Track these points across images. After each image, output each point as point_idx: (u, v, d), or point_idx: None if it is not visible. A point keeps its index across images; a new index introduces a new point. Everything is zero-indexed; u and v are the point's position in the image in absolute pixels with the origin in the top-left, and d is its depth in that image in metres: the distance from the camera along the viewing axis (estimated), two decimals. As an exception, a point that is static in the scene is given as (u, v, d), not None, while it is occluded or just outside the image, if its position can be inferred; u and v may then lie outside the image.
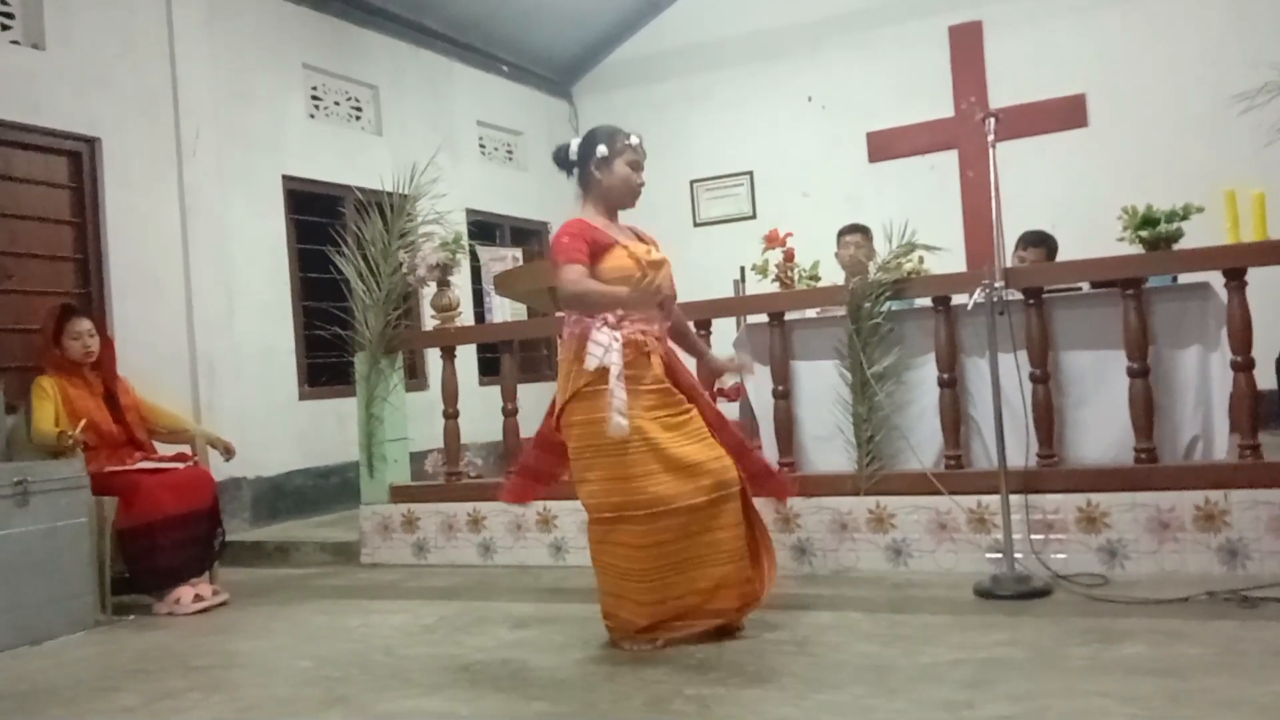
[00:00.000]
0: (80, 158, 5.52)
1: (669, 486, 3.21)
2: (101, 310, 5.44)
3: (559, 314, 5.30)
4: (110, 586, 4.40)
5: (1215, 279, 3.99)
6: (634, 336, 3.29)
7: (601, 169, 3.41)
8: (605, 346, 3.21)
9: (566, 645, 3.45)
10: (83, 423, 4.45)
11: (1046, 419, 4.08)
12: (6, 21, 5.30)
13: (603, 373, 3.19)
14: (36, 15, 5.35)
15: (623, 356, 3.22)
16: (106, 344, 4.81)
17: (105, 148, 5.57)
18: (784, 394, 4.53)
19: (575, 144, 3.51)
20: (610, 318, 3.27)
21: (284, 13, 6.80)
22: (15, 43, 5.30)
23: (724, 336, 4.86)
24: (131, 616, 4.36)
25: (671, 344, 3.53)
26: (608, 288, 3.26)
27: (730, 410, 5.79)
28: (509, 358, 5.21)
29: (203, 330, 5.97)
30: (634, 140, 3.44)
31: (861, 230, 5.58)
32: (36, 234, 5.32)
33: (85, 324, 4.69)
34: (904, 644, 3.18)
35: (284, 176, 6.68)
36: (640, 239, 3.49)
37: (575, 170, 3.51)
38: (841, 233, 5.67)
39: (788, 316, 4.59)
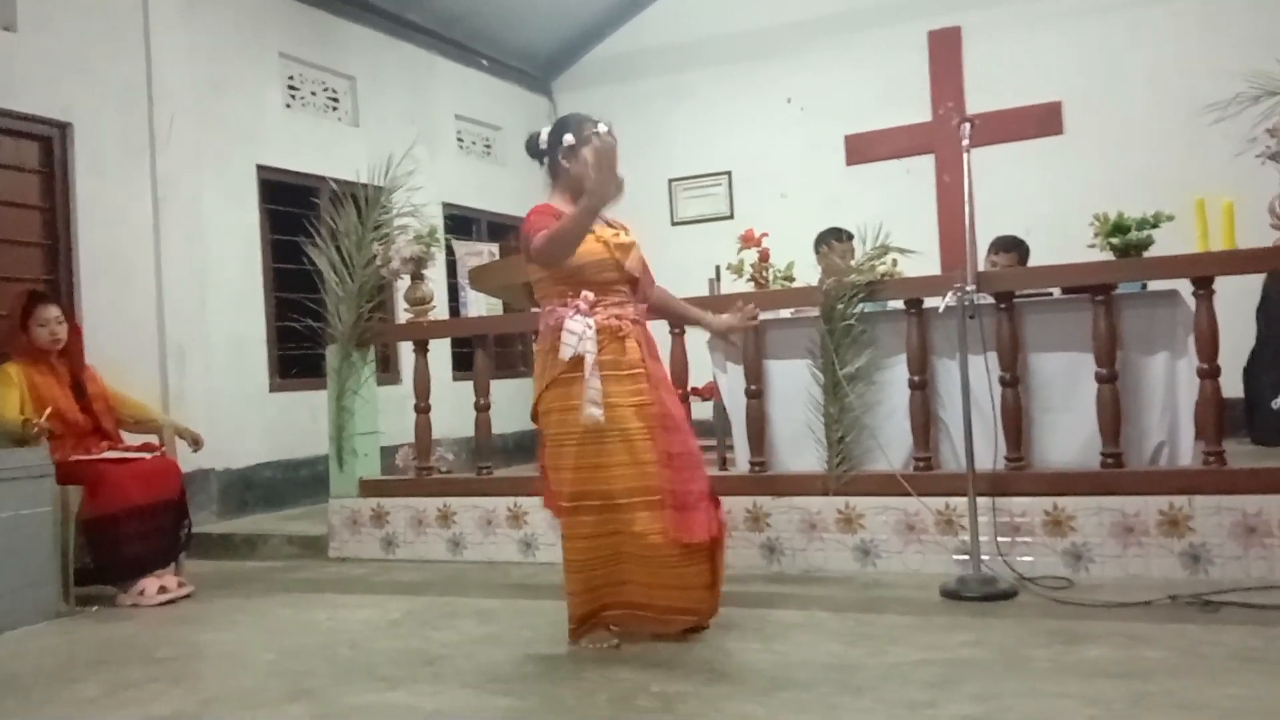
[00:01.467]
0: (51, 143, 5.45)
1: (629, 480, 3.18)
2: (70, 297, 5.38)
3: (535, 309, 5.31)
4: (74, 577, 4.34)
5: (1184, 287, 4.03)
6: (608, 322, 3.25)
7: (569, 158, 3.37)
8: (579, 335, 3.18)
9: (533, 641, 3.44)
10: (48, 411, 4.40)
11: (1015, 422, 4.12)
12: (-22, 3, 5.23)
13: (578, 361, 3.18)
14: (9, -3, 5.28)
15: (597, 344, 3.19)
16: (74, 331, 4.76)
17: (77, 133, 5.51)
18: (756, 393, 4.54)
19: (545, 132, 3.48)
20: (583, 305, 3.24)
21: (262, 1, 6.74)
22: (-14, 24, 5.23)
23: (699, 334, 4.85)
24: (95, 608, 4.31)
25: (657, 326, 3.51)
26: (568, 216, 3.16)
27: (703, 409, 5.82)
28: (482, 353, 5.19)
29: (173, 320, 5.91)
30: (601, 128, 3.35)
31: (842, 235, 5.57)
32: (4, 219, 5.25)
33: (53, 311, 4.64)
34: (870, 643, 3.19)
35: (259, 166, 6.63)
36: (609, 224, 3.43)
37: (545, 159, 3.48)
38: (827, 237, 5.64)
39: (761, 316, 4.60)
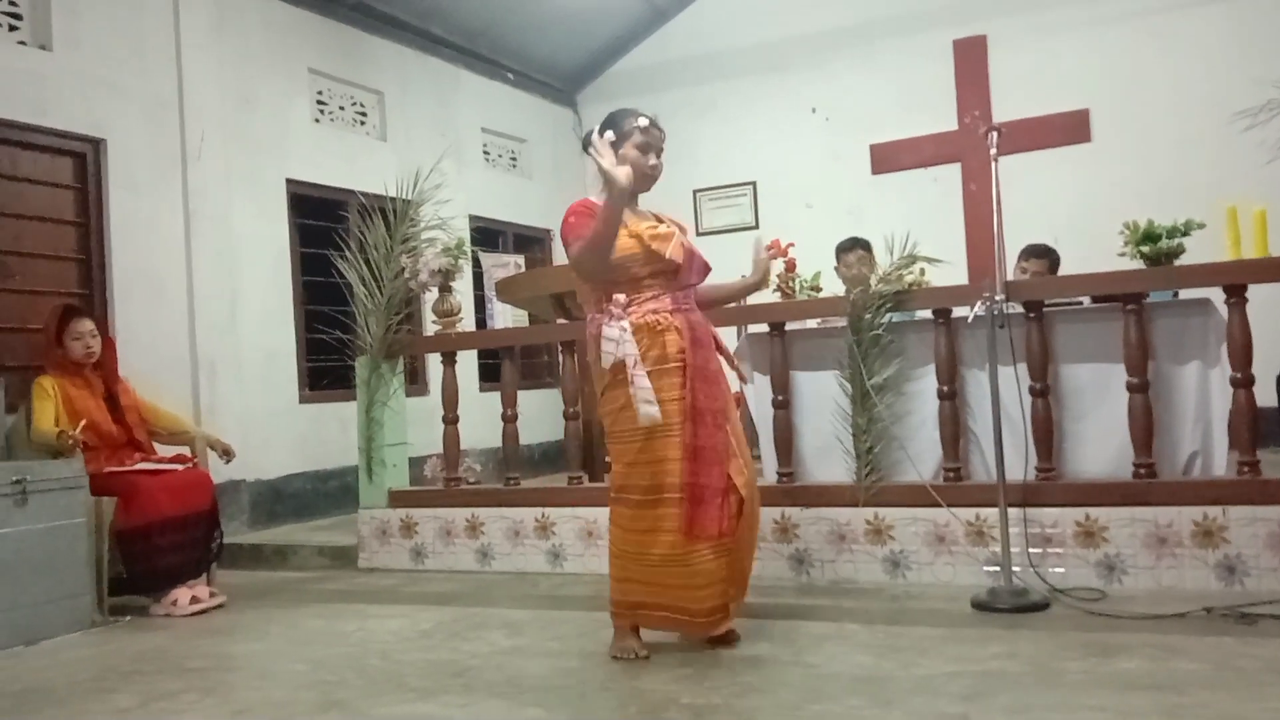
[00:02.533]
0: (85, 159, 5.54)
1: (659, 477, 3.22)
2: (104, 311, 5.45)
3: (561, 320, 5.34)
4: (107, 587, 4.39)
5: (1216, 295, 3.99)
6: (644, 320, 3.26)
7: (614, 148, 3.33)
8: (616, 340, 3.22)
9: (563, 652, 3.45)
10: (82, 423, 4.46)
11: (1046, 433, 4.08)
12: (14, 22, 5.32)
13: (622, 365, 3.21)
14: (44, 16, 5.37)
15: (636, 345, 3.22)
16: (108, 344, 4.82)
17: (110, 149, 5.59)
18: (783, 404, 4.53)
19: (595, 130, 3.40)
20: (615, 310, 3.25)
21: (291, 18, 6.82)
22: (23, 43, 5.32)
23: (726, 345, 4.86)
24: (128, 617, 4.36)
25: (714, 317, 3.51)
26: (600, 216, 3.19)
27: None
28: (509, 364, 5.22)
29: (204, 332, 5.98)
30: (643, 122, 3.32)
31: (863, 245, 5.57)
32: (40, 234, 5.33)
33: (87, 324, 4.70)
34: (901, 656, 3.17)
35: (288, 180, 6.70)
36: (650, 218, 3.41)
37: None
38: (842, 249, 5.64)
39: (788, 327, 4.60)
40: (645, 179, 3.36)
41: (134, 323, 5.57)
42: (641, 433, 3.23)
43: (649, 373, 3.21)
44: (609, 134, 3.29)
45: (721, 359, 3.43)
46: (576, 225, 3.29)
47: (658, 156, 3.37)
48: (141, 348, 5.45)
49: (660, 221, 3.43)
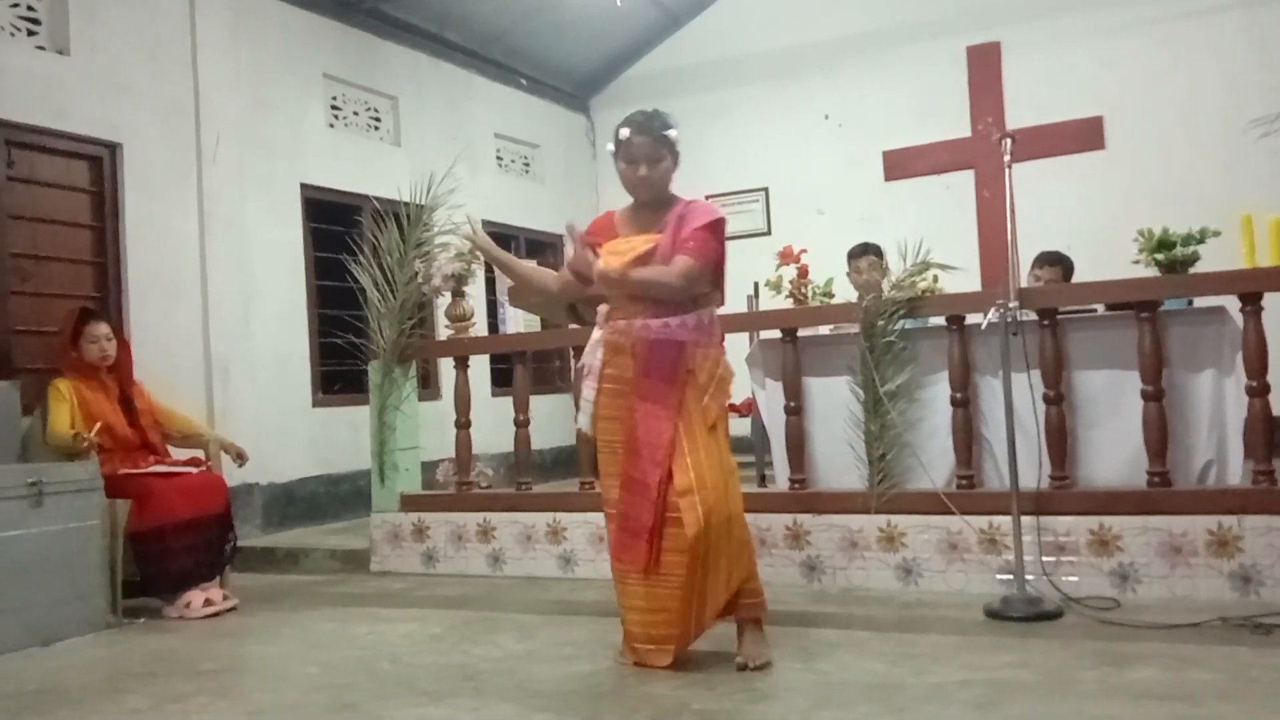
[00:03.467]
0: (101, 163, 5.57)
1: (609, 492, 3.33)
2: (119, 314, 5.48)
3: (573, 325, 5.35)
4: (121, 589, 4.41)
5: (1231, 303, 3.98)
6: (611, 337, 3.32)
7: (615, 165, 3.37)
8: (589, 345, 3.38)
9: (574, 657, 3.45)
10: (98, 425, 4.48)
11: (1059, 440, 4.07)
12: (32, 27, 5.36)
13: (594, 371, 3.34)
14: (62, 21, 5.41)
15: (599, 356, 3.33)
16: (123, 347, 4.85)
17: (126, 153, 5.62)
18: (796, 410, 4.52)
19: None
20: (599, 318, 3.38)
21: (307, 23, 6.85)
22: (41, 48, 5.36)
23: (738, 351, 4.86)
24: (141, 620, 4.38)
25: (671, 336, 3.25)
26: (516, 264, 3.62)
27: (742, 425, 5.81)
28: (521, 369, 5.23)
29: (218, 336, 6.00)
30: (623, 134, 3.30)
31: (874, 250, 5.57)
32: (56, 237, 5.36)
33: (103, 328, 4.73)
34: (913, 663, 3.16)
35: (302, 185, 6.73)
36: (639, 233, 3.33)
37: None
38: (853, 255, 5.63)
39: (801, 333, 4.59)
40: (636, 190, 3.34)
41: (149, 326, 5.59)
42: (600, 444, 3.34)
43: (609, 388, 3.30)
44: (609, 145, 3.36)
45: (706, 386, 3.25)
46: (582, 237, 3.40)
47: (649, 165, 3.28)
48: (156, 351, 5.47)
49: (641, 237, 3.29)
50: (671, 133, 3.33)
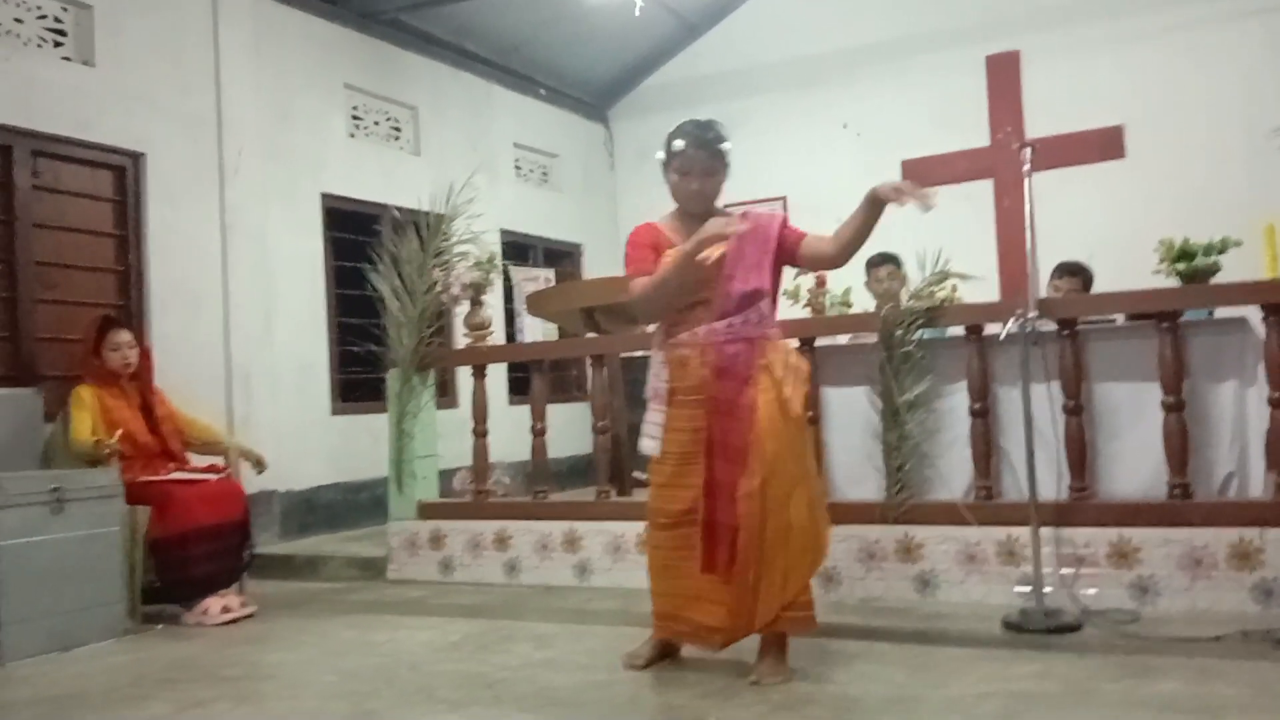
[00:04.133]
0: (125, 172, 5.63)
1: (682, 502, 3.26)
2: (141, 322, 5.53)
3: (590, 335, 5.36)
4: (140, 596, 4.44)
5: (1253, 314, 3.95)
6: (675, 354, 3.28)
7: (666, 174, 3.35)
8: (652, 371, 3.33)
9: (591, 666, 3.45)
10: (119, 433, 4.52)
11: (1079, 451, 4.05)
12: (59, 39, 5.42)
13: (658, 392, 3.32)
14: (88, 33, 5.47)
15: (665, 377, 3.28)
16: (145, 356, 4.89)
17: (150, 163, 5.68)
18: (813, 420, 4.51)
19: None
20: (658, 337, 3.35)
21: (328, 34, 6.91)
22: (67, 59, 5.42)
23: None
24: (160, 626, 4.41)
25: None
26: (657, 273, 3.20)
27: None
28: (539, 378, 5.24)
29: (239, 345, 6.04)
30: (677, 145, 3.27)
31: (892, 260, 5.56)
32: (80, 246, 5.42)
33: (125, 335, 4.77)
34: (931, 675, 3.15)
35: (323, 194, 6.77)
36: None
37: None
38: (871, 264, 5.62)
39: (818, 342, 4.59)
40: (689, 202, 3.33)
41: (170, 334, 5.64)
42: (672, 458, 3.27)
43: (680, 401, 3.25)
44: (660, 155, 3.33)
45: (790, 385, 3.20)
46: (633, 258, 3.32)
47: (701, 178, 3.27)
48: (177, 359, 5.51)
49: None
50: (726, 145, 3.33)
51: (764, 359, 3.22)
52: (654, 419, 3.29)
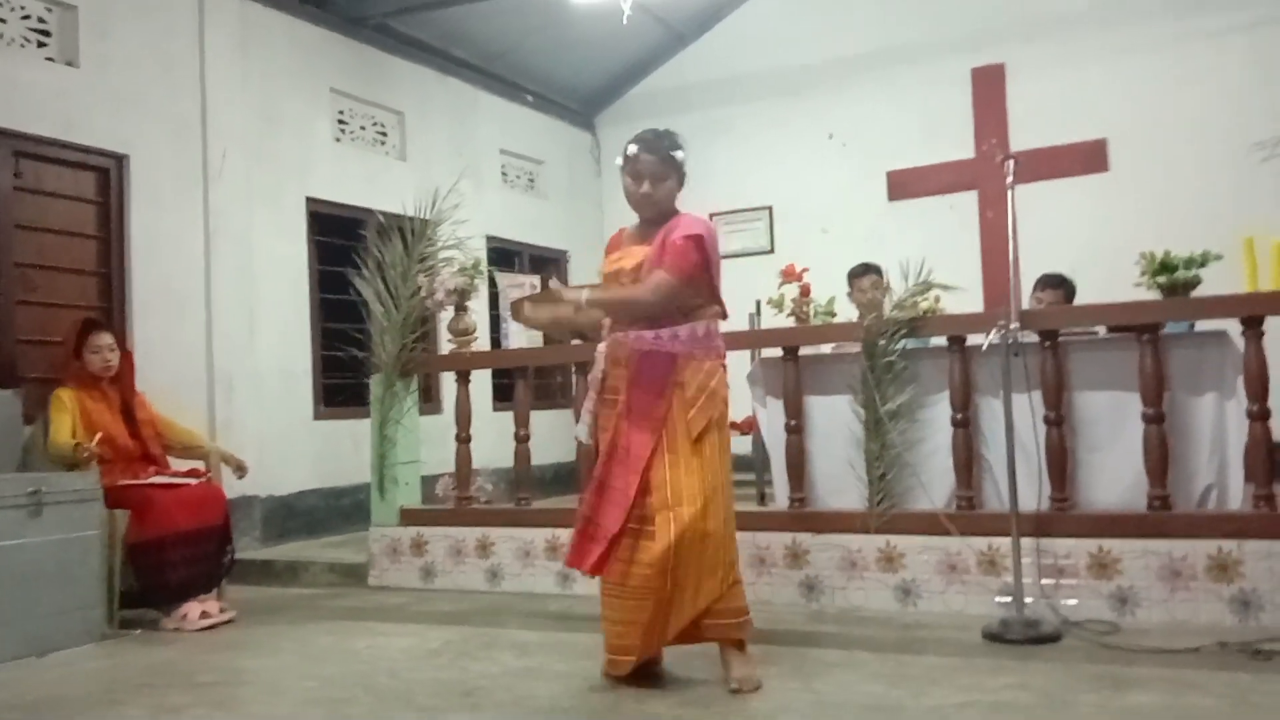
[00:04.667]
0: (108, 174, 5.60)
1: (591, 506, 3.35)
2: (123, 325, 5.50)
3: (576, 341, 5.36)
4: (118, 600, 4.41)
5: (1233, 327, 3.98)
6: (608, 349, 3.38)
7: (621, 181, 3.41)
8: (596, 360, 3.43)
9: (572, 674, 3.44)
10: (98, 436, 4.49)
11: (1060, 462, 4.07)
12: (43, 39, 5.40)
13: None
14: (72, 34, 5.45)
15: (600, 368, 3.38)
16: (126, 359, 4.85)
17: (133, 165, 5.65)
18: (796, 429, 4.52)
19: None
20: (603, 332, 3.43)
21: (314, 38, 6.90)
22: (50, 60, 5.39)
23: (739, 369, 4.86)
24: (138, 631, 4.37)
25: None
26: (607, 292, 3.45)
27: (742, 444, 5.80)
28: (523, 384, 5.23)
29: (222, 348, 6.01)
30: (630, 150, 3.35)
31: (875, 270, 5.58)
32: (62, 247, 5.39)
33: (106, 338, 4.74)
34: (911, 684, 3.16)
35: (308, 199, 6.75)
36: (638, 244, 3.38)
37: None
38: (854, 275, 5.64)
39: (802, 351, 4.60)
40: (638, 207, 3.39)
41: (153, 337, 5.61)
42: (599, 456, 3.37)
43: (605, 399, 3.35)
44: (618, 160, 3.40)
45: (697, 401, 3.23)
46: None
47: (652, 183, 3.31)
48: (159, 362, 5.48)
49: (633, 250, 3.37)
50: (678, 154, 3.36)
51: (680, 376, 3.25)
52: (587, 406, 3.39)
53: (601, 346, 3.41)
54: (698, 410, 3.22)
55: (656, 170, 3.32)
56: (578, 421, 3.47)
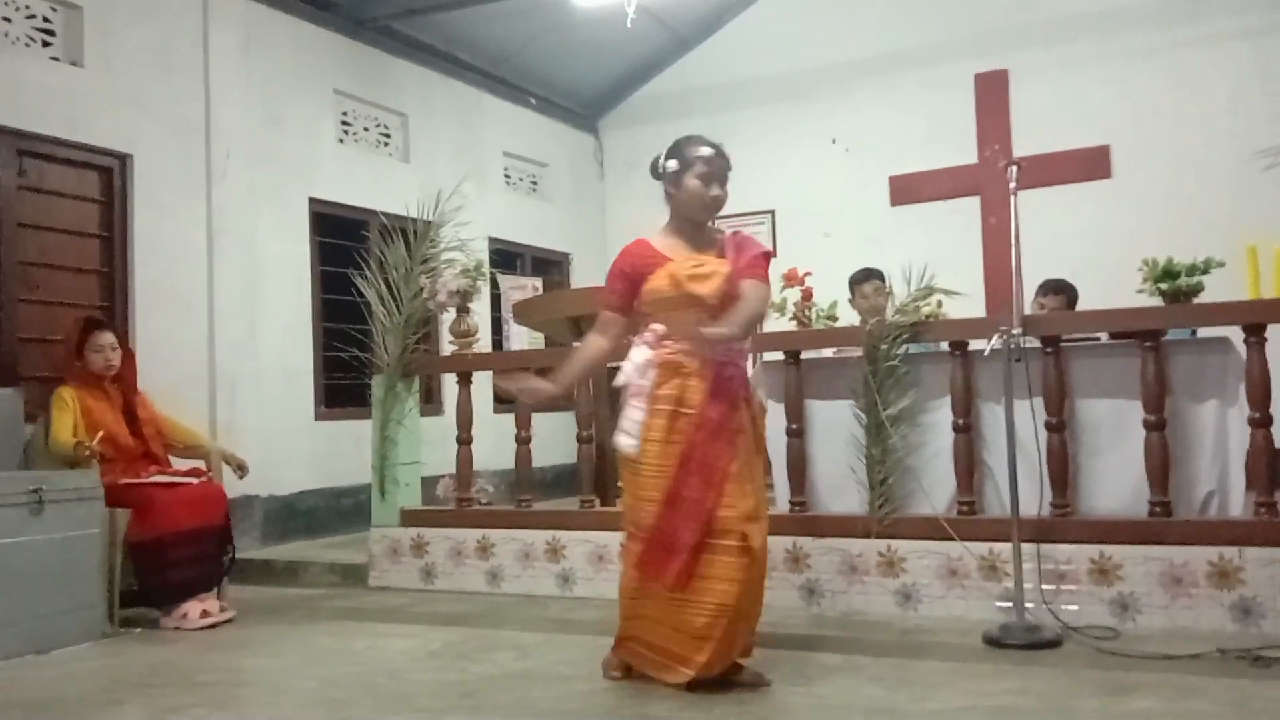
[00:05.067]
0: (112, 174, 5.61)
1: (639, 514, 3.22)
2: (125, 324, 5.50)
3: (576, 344, 5.35)
4: (119, 599, 4.41)
5: (1235, 334, 3.98)
6: (671, 358, 3.21)
7: (674, 184, 3.32)
8: (633, 364, 3.25)
9: (572, 676, 3.44)
10: (100, 435, 4.49)
11: (1061, 468, 4.06)
12: (47, 39, 5.41)
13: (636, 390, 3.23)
14: (77, 34, 5.46)
15: (651, 378, 3.21)
16: (128, 358, 4.86)
17: (137, 165, 5.66)
18: (798, 433, 4.52)
19: (662, 155, 3.39)
20: (649, 336, 3.26)
21: (319, 40, 6.91)
22: (55, 59, 5.40)
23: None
24: (138, 630, 4.37)
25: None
26: (568, 367, 3.43)
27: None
28: (525, 386, 5.22)
29: (224, 348, 6.02)
30: (706, 151, 3.28)
31: (877, 275, 5.58)
32: (65, 246, 5.40)
33: (108, 337, 4.75)
34: (911, 689, 3.15)
35: (311, 199, 6.76)
36: (698, 251, 3.30)
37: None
38: (855, 280, 5.63)
39: (804, 355, 4.60)
40: (705, 209, 3.33)
41: (155, 337, 5.61)
42: (632, 466, 3.22)
43: (660, 410, 3.19)
44: (671, 163, 3.31)
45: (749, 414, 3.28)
46: (607, 287, 3.39)
47: (720, 186, 3.29)
48: (161, 362, 5.48)
49: (707, 258, 3.27)
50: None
51: (748, 391, 3.32)
52: (635, 416, 3.20)
53: (649, 354, 3.23)
54: (762, 421, 3.31)
55: (726, 174, 3.32)
56: (620, 432, 3.24)
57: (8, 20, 5.24)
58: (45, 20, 5.40)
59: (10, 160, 5.13)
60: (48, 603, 4.04)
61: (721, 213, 3.40)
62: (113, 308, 5.54)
